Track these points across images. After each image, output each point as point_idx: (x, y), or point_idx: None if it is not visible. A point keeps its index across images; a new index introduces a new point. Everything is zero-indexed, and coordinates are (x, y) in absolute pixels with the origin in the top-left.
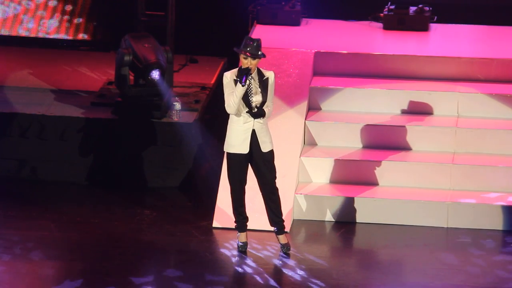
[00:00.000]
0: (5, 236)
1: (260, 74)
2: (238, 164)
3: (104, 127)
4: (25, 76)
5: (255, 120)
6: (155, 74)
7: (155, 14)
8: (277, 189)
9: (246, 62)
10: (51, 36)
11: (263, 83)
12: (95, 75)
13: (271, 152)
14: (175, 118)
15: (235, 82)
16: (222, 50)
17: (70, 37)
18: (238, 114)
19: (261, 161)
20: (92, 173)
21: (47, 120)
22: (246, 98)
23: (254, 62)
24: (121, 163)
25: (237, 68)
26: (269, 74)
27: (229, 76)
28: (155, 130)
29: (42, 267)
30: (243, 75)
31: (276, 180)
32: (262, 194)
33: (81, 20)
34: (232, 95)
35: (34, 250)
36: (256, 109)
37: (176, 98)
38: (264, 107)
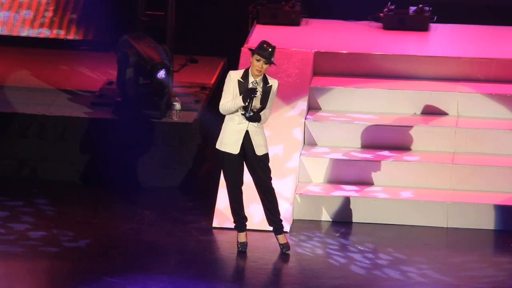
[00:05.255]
0: (5, 236)
1: (265, 81)
2: (230, 163)
3: (104, 127)
4: (25, 76)
5: (250, 123)
6: (162, 74)
7: (155, 14)
8: (273, 189)
9: (257, 64)
10: (51, 36)
11: (265, 90)
12: (95, 75)
13: (266, 155)
14: (175, 118)
15: (239, 83)
16: (222, 50)
17: (70, 37)
18: (233, 112)
19: (255, 162)
20: (92, 173)
21: (47, 120)
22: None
23: (265, 67)
24: (121, 163)
25: (243, 70)
26: (273, 82)
27: (233, 77)
28: (155, 130)
29: (42, 267)
30: (248, 97)
31: (271, 181)
32: (259, 194)
33: (81, 20)
34: (231, 101)
35: (34, 250)
36: (251, 113)
37: (176, 98)
38: (261, 113)
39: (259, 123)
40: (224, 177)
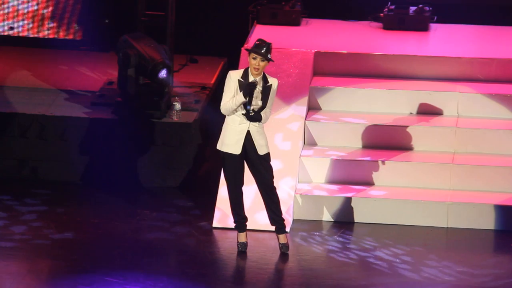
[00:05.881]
0: (5, 236)
1: (265, 80)
2: (231, 164)
3: (104, 127)
4: (25, 76)
5: (251, 122)
6: (163, 73)
7: (155, 14)
8: (275, 188)
9: (254, 62)
10: (51, 36)
11: (266, 89)
12: (95, 75)
13: (268, 155)
14: (175, 118)
15: (239, 82)
16: (222, 50)
17: (69, 37)
18: (234, 113)
19: (257, 162)
20: (92, 173)
21: (47, 120)
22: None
23: (262, 64)
24: (121, 163)
25: (243, 69)
26: (273, 81)
27: (233, 76)
28: (155, 130)
29: (42, 267)
30: (248, 91)
31: (274, 180)
32: (261, 194)
33: (81, 20)
34: (231, 99)
35: (34, 250)
36: (253, 113)
37: (176, 98)
38: (262, 113)
39: (260, 123)
40: (225, 177)
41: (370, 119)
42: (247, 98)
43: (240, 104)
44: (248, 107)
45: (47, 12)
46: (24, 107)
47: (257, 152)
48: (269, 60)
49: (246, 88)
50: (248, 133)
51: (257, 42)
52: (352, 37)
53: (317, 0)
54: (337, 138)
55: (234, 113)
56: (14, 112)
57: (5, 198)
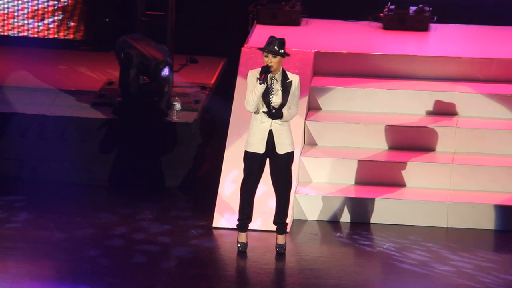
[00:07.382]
0: (5, 236)
1: (284, 76)
2: (251, 162)
3: (104, 127)
4: (25, 76)
5: (273, 120)
6: (166, 72)
7: (155, 14)
8: (287, 192)
9: (266, 60)
10: (51, 36)
11: (285, 86)
12: (95, 75)
13: (288, 155)
14: (175, 118)
15: (258, 80)
16: (222, 50)
17: (69, 37)
18: (257, 112)
19: (275, 163)
20: (92, 173)
21: (47, 120)
22: (265, 98)
23: (275, 60)
24: (121, 163)
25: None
26: (294, 78)
27: (252, 74)
28: (155, 130)
29: (42, 267)
30: (262, 73)
31: (290, 185)
32: (274, 191)
33: (81, 20)
34: (251, 92)
35: (34, 250)
36: (273, 110)
37: (176, 98)
38: (285, 109)
39: (283, 120)
40: (244, 174)
41: (370, 119)
42: (265, 83)
43: (261, 93)
44: (260, 82)
45: (47, 12)
46: (24, 107)
47: (276, 151)
48: (281, 55)
49: (261, 71)
50: (271, 132)
51: (268, 40)
52: (352, 37)
53: (317, 0)
54: (337, 138)
55: (258, 111)
56: (14, 112)
57: (5, 198)
